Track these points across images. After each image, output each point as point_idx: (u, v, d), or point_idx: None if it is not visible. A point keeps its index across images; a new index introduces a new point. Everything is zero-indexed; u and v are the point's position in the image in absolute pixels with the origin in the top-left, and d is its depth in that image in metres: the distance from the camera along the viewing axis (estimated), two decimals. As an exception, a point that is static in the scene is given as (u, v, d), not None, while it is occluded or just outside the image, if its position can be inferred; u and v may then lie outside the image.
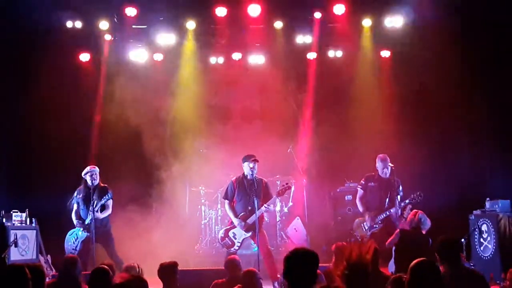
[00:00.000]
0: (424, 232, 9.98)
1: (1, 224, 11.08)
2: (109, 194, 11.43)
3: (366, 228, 11.88)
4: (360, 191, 12.28)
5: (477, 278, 6.63)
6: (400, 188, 11.78)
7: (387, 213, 11.62)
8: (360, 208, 12.23)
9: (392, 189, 11.71)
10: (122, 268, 8.45)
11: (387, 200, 11.74)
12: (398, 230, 10.11)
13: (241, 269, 8.86)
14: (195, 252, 13.89)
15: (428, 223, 10.00)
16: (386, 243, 9.98)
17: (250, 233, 11.16)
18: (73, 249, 11.54)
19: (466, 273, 6.78)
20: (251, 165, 11.19)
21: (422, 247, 9.53)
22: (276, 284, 10.77)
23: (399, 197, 11.68)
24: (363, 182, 12.21)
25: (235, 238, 11.35)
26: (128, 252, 11.64)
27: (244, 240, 11.36)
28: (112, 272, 7.90)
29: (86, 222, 11.42)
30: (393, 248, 10.08)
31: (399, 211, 11.46)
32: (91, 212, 11.28)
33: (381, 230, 11.59)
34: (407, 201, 11.47)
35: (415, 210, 10.27)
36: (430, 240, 9.71)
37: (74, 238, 11.59)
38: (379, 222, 11.72)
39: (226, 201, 11.55)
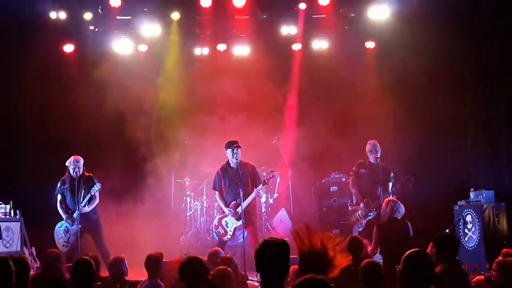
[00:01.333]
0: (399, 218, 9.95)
1: (-16, 216, 11.02)
2: (97, 185, 11.38)
3: (361, 216, 11.88)
4: (352, 178, 12.30)
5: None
6: (392, 174, 11.80)
7: (381, 199, 11.57)
8: (354, 196, 12.22)
9: (384, 175, 11.72)
10: (110, 260, 8.41)
11: (379, 186, 11.72)
12: (375, 226, 10.00)
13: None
14: (180, 244, 13.88)
15: (402, 209, 9.87)
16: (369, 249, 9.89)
17: (241, 222, 11.16)
18: (65, 241, 11.50)
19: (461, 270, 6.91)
20: (235, 151, 11.21)
21: (402, 234, 9.54)
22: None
23: (390, 183, 11.70)
24: (355, 169, 12.24)
25: (227, 227, 11.39)
26: (113, 244, 11.61)
27: (236, 229, 11.38)
28: (96, 264, 7.90)
29: (75, 215, 11.37)
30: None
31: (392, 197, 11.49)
32: (77, 205, 11.25)
33: (377, 217, 11.54)
34: (398, 185, 11.53)
35: (386, 199, 10.25)
36: (409, 224, 9.73)
37: (64, 231, 11.53)
38: (374, 209, 11.69)
39: (216, 192, 11.59)
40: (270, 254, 4.91)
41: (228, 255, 8.85)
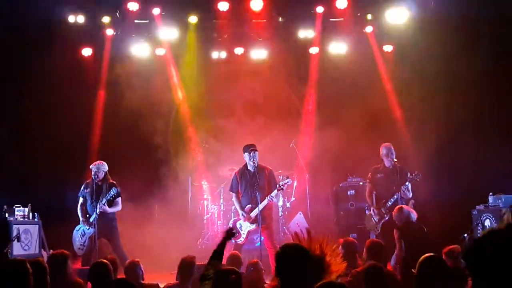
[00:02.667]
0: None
1: (3, 219, 11.04)
2: (113, 189, 11.40)
3: (376, 220, 11.82)
4: (368, 186, 12.21)
5: None
6: (409, 175, 11.73)
7: (392, 200, 11.52)
8: (368, 203, 12.18)
9: (400, 177, 11.65)
10: (126, 264, 8.43)
11: (395, 189, 11.66)
12: (394, 230, 10.02)
13: (242, 263, 8.92)
14: (198, 247, 13.87)
15: (414, 215, 10.01)
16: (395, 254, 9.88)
17: (255, 225, 11.15)
18: (81, 244, 11.53)
19: None
20: (252, 154, 11.22)
21: (421, 238, 9.57)
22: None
23: (409, 184, 11.63)
24: (370, 175, 12.14)
25: (241, 230, 11.38)
26: (130, 247, 11.65)
27: (249, 233, 11.38)
28: (114, 267, 7.90)
29: (91, 219, 11.42)
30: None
31: (408, 194, 11.47)
32: (95, 209, 11.31)
33: (391, 219, 11.47)
34: (407, 183, 11.48)
35: (398, 206, 10.26)
36: (425, 228, 9.75)
37: (81, 234, 11.57)
38: (387, 211, 11.61)
39: (233, 194, 11.60)
40: (289, 259, 4.92)
41: (255, 260, 8.82)
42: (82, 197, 11.72)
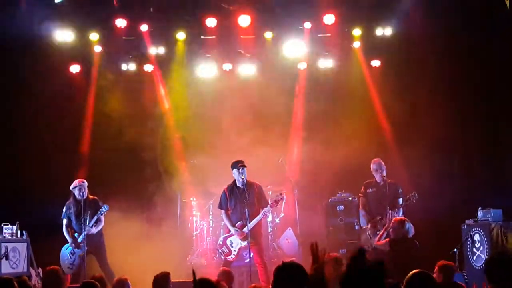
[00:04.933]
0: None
1: (-9, 238, 11.00)
2: (104, 207, 11.46)
3: (371, 235, 11.83)
4: (362, 200, 12.29)
5: None
6: (400, 190, 11.77)
7: (387, 217, 11.53)
8: (362, 218, 12.23)
9: (391, 192, 11.68)
10: (114, 282, 8.39)
11: (387, 205, 11.66)
12: (388, 239, 10.06)
13: (234, 280, 8.89)
14: (187, 264, 13.82)
15: (412, 230, 10.05)
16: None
17: (246, 242, 11.12)
18: (70, 264, 11.61)
19: None
20: (240, 170, 11.21)
21: (412, 253, 9.58)
22: (268, 296, 10.74)
23: (400, 199, 11.66)
24: (363, 190, 12.24)
25: (232, 247, 11.37)
26: (119, 265, 11.60)
27: (240, 249, 11.35)
28: (102, 285, 7.86)
29: (79, 240, 11.43)
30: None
31: (400, 212, 11.49)
32: (82, 227, 11.33)
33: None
34: (401, 201, 11.50)
35: (400, 218, 10.27)
36: (417, 244, 9.77)
37: (70, 253, 11.59)
38: (382, 227, 11.60)
39: (223, 211, 11.58)
40: (287, 277, 4.91)
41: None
42: (66, 219, 11.76)
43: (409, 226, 10.06)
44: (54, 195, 13.13)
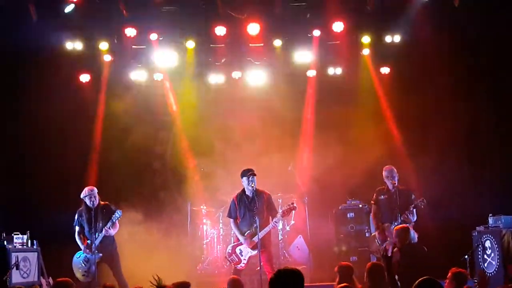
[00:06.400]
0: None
1: (2, 247, 11.01)
2: (118, 212, 11.41)
3: (380, 242, 11.80)
4: (373, 207, 12.24)
5: None
6: (413, 197, 11.71)
7: (395, 224, 11.44)
8: (373, 225, 12.21)
9: (402, 200, 11.63)
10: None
11: (398, 212, 11.61)
12: (396, 249, 9.99)
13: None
14: (197, 272, 13.82)
15: (416, 237, 10.02)
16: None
17: (256, 251, 11.09)
18: (85, 271, 11.46)
19: None
20: (250, 178, 11.19)
21: (423, 258, 9.52)
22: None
23: (412, 206, 11.60)
24: (375, 197, 12.18)
25: (241, 255, 11.33)
26: (130, 273, 11.59)
27: (250, 258, 11.32)
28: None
29: (93, 246, 11.36)
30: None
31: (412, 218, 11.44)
32: (95, 234, 11.33)
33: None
34: (411, 208, 11.44)
35: (402, 226, 10.18)
36: (425, 248, 9.73)
37: (84, 261, 11.49)
38: (389, 235, 11.57)
39: (232, 220, 11.55)
40: (284, 284, 4.88)
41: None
42: (78, 226, 11.71)
43: (413, 232, 10.00)
44: (65, 204, 13.16)
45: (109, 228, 11.38)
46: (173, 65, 15.25)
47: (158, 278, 5.55)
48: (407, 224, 10.55)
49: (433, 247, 10.22)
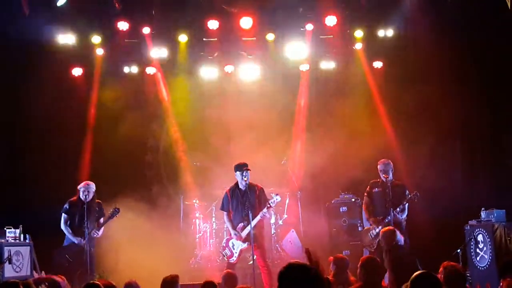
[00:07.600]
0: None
1: (-6, 241, 11.00)
2: (116, 210, 11.59)
3: (373, 236, 11.81)
4: (365, 199, 12.27)
5: None
6: (407, 193, 11.74)
7: (389, 218, 11.51)
8: (365, 216, 12.22)
9: (395, 194, 11.65)
10: (123, 285, 8.39)
11: (390, 206, 11.63)
12: (386, 250, 9.94)
13: (238, 283, 8.86)
14: (190, 266, 13.81)
15: (402, 240, 9.98)
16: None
17: (247, 244, 11.11)
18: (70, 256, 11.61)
19: None
20: (244, 173, 11.21)
21: (411, 259, 9.54)
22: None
23: (407, 204, 11.62)
24: (368, 189, 12.21)
25: (234, 249, 11.36)
26: (123, 268, 11.59)
27: (241, 251, 11.34)
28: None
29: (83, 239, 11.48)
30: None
31: (404, 213, 11.47)
32: (86, 229, 11.43)
33: None
34: (404, 203, 11.47)
35: (389, 228, 10.12)
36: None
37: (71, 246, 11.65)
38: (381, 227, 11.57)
39: (224, 213, 11.58)
40: (295, 278, 4.82)
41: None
42: (66, 214, 11.81)
43: (399, 235, 9.91)
44: (57, 198, 13.11)
45: (100, 230, 11.58)
46: (166, 58, 15.24)
47: None
48: (392, 227, 10.44)
49: (425, 241, 10.25)
